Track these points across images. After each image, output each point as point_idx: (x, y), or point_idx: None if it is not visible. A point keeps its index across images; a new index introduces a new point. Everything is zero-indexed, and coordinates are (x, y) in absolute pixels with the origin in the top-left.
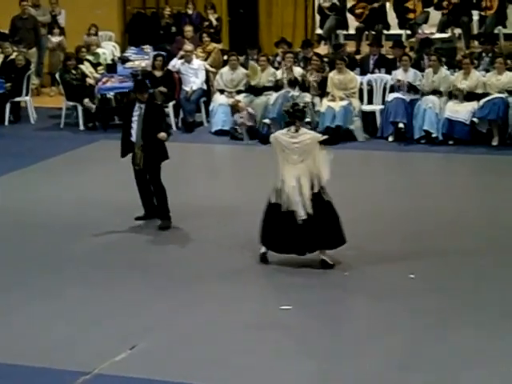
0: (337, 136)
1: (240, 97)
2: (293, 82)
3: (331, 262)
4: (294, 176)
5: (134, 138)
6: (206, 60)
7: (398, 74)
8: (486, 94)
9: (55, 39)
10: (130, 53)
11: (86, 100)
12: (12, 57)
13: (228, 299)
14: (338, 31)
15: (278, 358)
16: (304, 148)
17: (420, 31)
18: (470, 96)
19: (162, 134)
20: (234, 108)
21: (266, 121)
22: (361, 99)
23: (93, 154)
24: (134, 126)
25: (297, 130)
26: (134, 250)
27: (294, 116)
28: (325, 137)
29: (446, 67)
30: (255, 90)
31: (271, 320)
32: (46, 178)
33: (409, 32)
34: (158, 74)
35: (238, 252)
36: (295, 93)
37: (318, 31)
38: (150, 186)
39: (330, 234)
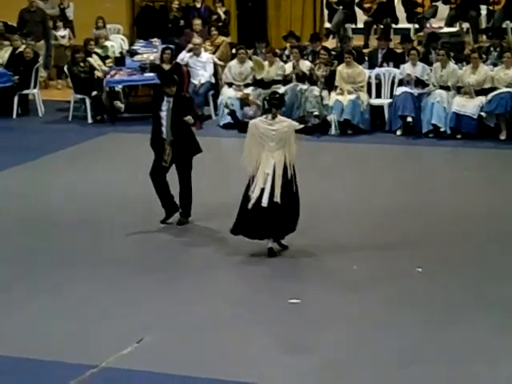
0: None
1: (248, 90)
2: (301, 78)
3: (279, 249)
4: (271, 163)
5: (164, 135)
6: (214, 53)
7: (407, 68)
8: (493, 89)
9: (61, 33)
10: (139, 46)
11: (117, 102)
12: (20, 49)
13: (232, 293)
14: (347, 25)
15: (281, 354)
16: (281, 136)
17: (428, 25)
18: (477, 90)
19: (188, 117)
20: (244, 101)
21: None
22: (369, 93)
23: (101, 147)
24: (164, 122)
25: (273, 118)
26: (140, 246)
27: (270, 104)
28: (301, 125)
29: (453, 61)
30: (263, 84)
31: (275, 314)
32: (54, 172)
33: (417, 26)
34: (166, 67)
35: (243, 246)
36: (304, 86)
37: (327, 25)
38: (166, 183)
39: (286, 224)
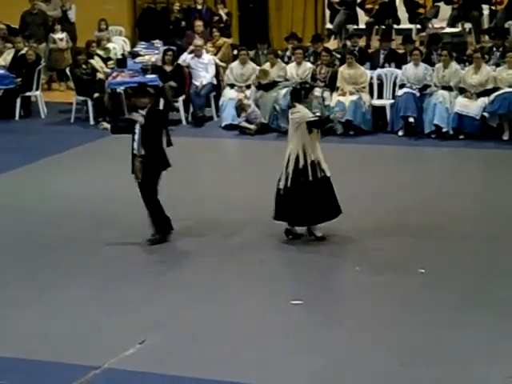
0: (325, 120)
1: (249, 92)
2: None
3: (319, 235)
4: (288, 150)
5: (135, 150)
6: (215, 55)
7: (409, 68)
8: (496, 89)
9: (58, 36)
10: (140, 47)
11: (103, 123)
12: (23, 52)
13: (232, 295)
14: (348, 26)
15: (282, 355)
16: (295, 125)
17: (430, 26)
18: (480, 91)
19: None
20: (240, 107)
21: (277, 107)
22: (371, 94)
23: (103, 149)
24: (136, 136)
25: (290, 107)
26: (143, 247)
27: (290, 94)
28: (313, 118)
29: (455, 62)
30: (264, 85)
31: (276, 315)
32: (56, 173)
33: (419, 27)
34: (168, 68)
35: (244, 248)
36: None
37: (328, 26)
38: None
39: (304, 211)
